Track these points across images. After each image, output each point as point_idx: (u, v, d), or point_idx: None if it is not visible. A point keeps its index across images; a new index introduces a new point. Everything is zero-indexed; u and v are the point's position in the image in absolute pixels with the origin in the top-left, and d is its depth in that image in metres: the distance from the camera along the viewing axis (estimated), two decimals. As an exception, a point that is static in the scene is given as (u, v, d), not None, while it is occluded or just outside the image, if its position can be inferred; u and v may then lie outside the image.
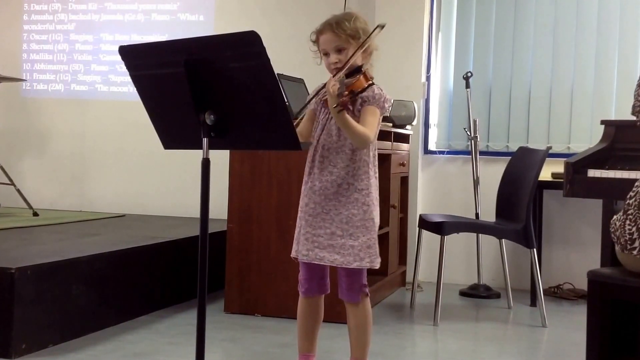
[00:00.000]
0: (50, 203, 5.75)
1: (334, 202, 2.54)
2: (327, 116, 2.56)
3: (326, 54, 2.55)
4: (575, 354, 3.30)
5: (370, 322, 2.65)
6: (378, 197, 2.63)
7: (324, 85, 2.50)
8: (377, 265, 2.57)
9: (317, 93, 2.53)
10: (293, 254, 2.66)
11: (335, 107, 2.37)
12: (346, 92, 2.37)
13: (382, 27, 2.46)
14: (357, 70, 2.52)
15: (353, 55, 2.49)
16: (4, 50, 6.01)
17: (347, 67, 2.48)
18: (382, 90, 2.54)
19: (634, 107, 2.56)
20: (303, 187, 2.63)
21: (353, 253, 2.52)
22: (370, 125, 2.49)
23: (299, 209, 2.64)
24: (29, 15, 5.99)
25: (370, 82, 2.52)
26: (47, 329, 3.11)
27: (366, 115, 2.49)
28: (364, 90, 2.49)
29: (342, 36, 2.50)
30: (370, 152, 2.58)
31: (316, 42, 2.58)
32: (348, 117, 2.43)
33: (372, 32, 2.49)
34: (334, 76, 2.47)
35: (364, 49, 2.51)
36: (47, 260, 3.16)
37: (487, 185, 4.73)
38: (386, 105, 2.55)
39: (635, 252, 2.37)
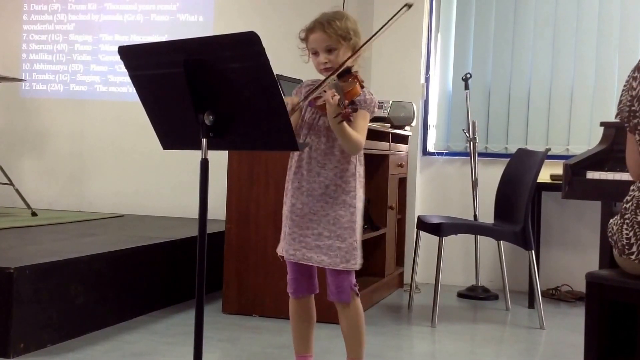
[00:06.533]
0: (48, 203, 5.75)
1: (322, 203, 2.53)
2: (314, 116, 2.56)
3: (315, 53, 2.54)
4: (573, 355, 3.30)
5: (363, 321, 2.64)
6: (363, 196, 2.63)
7: (313, 84, 2.49)
8: (359, 267, 2.58)
9: (309, 92, 2.50)
10: (279, 252, 2.65)
11: (336, 117, 2.36)
12: (347, 102, 2.35)
13: (410, 6, 2.38)
14: (347, 72, 2.50)
15: (349, 57, 2.47)
16: (3, 50, 6.02)
17: (339, 70, 2.45)
18: (372, 95, 2.56)
19: (622, 111, 2.55)
20: (288, 186, 2.61)
21: (340, 255, 2.52)
22: (362, 131, 2.51)
23: (284, 208, 2.63)
24: (28, 15, 5.99)
25: (363, 87, 2.52)
26: (46, 329, 3.11)
27: (358, 120, 2.48)
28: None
29: (333, 36, 2.49)
30: (357, 155, 2.59)
31: (305, 40, 2.57)
32: (346, 126, 2.42)
33: (398, 11, 2.40)
34: (326, 77, 2.44)
35: (357, 50, 2.48)
36: (46, 260, 3.16)
37: (486, 186, 4.73)
38: (375, 110, 2.58)
39: (633, 257, 2.37)
